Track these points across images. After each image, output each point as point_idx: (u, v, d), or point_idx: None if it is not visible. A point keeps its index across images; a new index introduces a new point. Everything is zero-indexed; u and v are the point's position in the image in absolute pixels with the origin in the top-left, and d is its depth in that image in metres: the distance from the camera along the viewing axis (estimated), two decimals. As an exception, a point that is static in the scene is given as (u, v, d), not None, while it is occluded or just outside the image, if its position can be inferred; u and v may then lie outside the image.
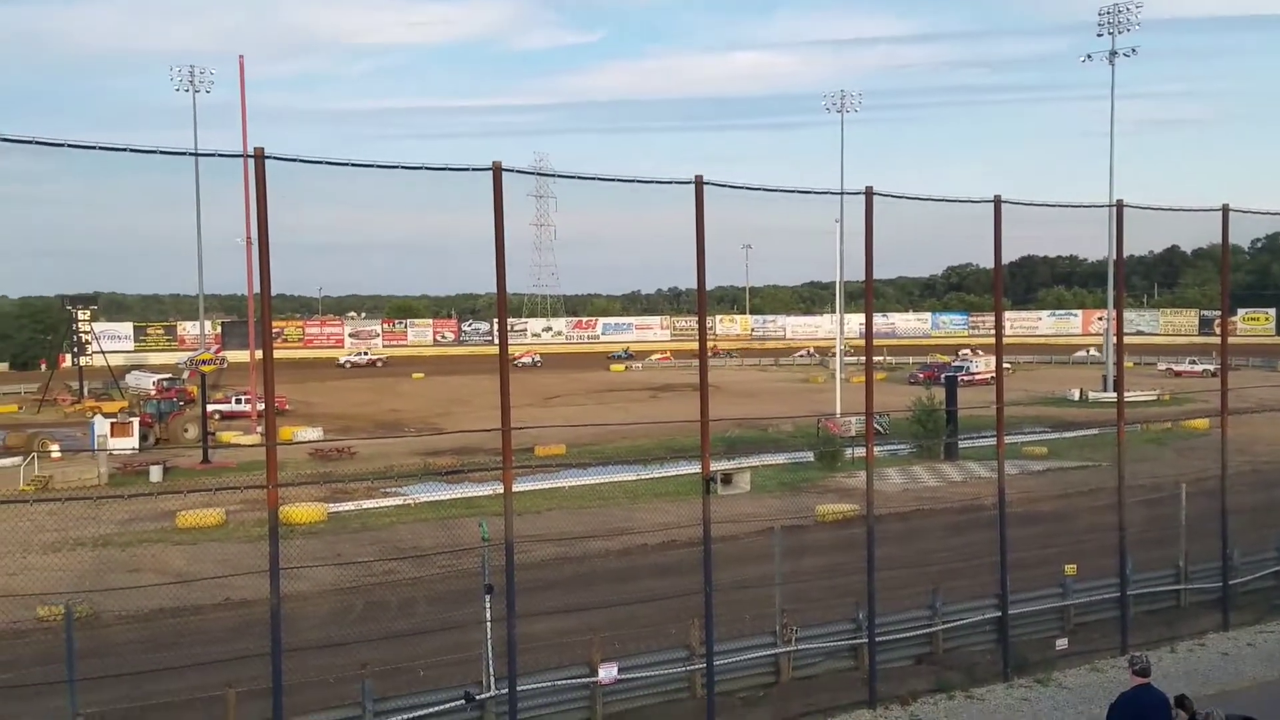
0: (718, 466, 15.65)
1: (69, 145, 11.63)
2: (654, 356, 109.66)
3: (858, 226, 16.45)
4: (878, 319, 22.27)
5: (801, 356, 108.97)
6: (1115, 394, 22.21)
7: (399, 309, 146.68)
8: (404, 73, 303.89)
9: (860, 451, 29.87)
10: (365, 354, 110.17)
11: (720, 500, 15.48)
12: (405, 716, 14.18)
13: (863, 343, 18.79)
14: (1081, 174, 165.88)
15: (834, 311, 63.32)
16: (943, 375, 58.92)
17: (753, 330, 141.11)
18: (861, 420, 21.99)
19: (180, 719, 14.19)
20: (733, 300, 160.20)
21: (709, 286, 15.36)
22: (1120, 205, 18.69)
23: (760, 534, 23.74)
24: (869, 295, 17.27)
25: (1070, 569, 19.35)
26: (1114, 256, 21.63)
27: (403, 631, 18.95)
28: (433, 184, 13.44)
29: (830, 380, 60.22)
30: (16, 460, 40.78)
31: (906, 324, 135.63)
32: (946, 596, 18.23)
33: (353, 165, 12.83)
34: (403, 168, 13.08)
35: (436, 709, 14.37)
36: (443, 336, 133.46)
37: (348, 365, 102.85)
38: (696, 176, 14.45)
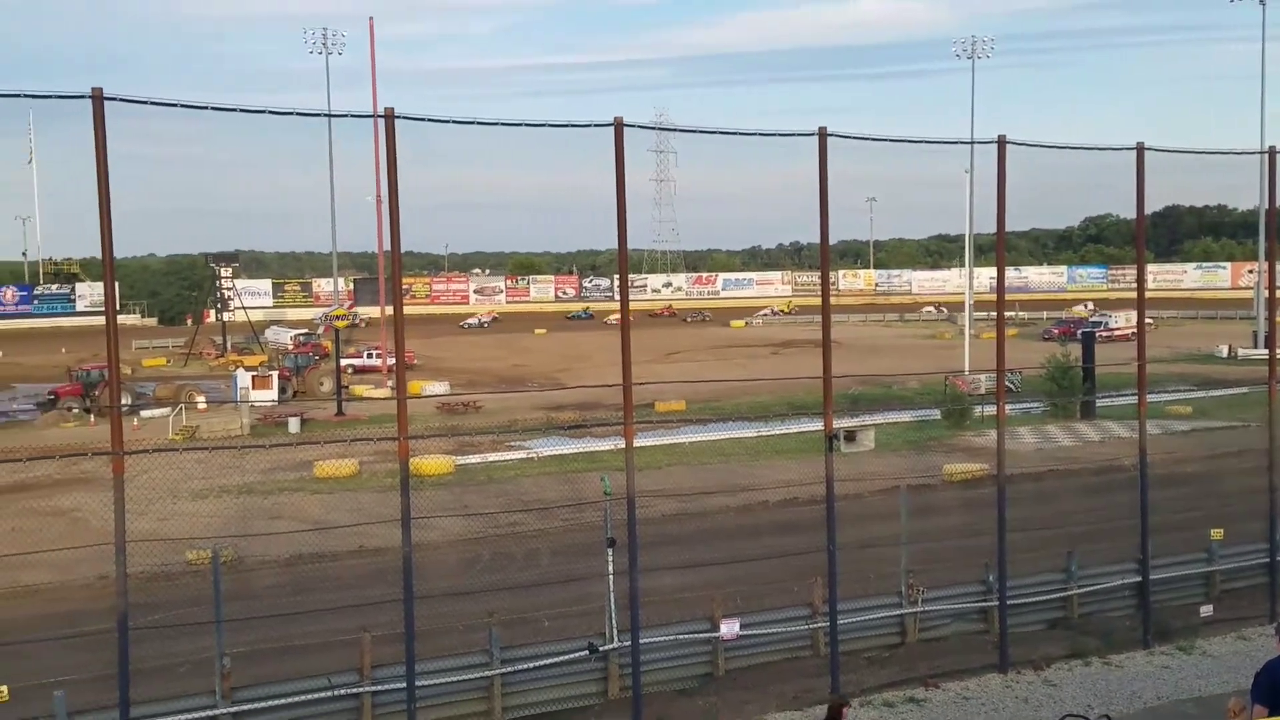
0: (841, 423, 15.49)
1: (213, 108, 12.07)
2: (611, 318, 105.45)
3: (988, 177, 16.00)
4: (1010, 273, 21.60)
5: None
6: (1266, 350, 21.23)
7: (521, 265, 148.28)
8: (527, 30, 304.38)
9: (990, 409, 29.24)
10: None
11: (843, 458, 15.37)
12: (531, 665, 14.44)
13: (993, 298, 18.41)
14: (1231, 120, 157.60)
15: (963, 265, 61.82)
16: (1079, 331, 57.11)
17: (877, 285, 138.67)
18: (992, 377, 21.44)
19: (318, 661, 14.68)
20: (856, 254, 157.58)
21: (831, 241, 15.11)
22: (1272, 151, 17.77)
23: (885, 493, 23.42)
24: (1000, 248, 16.79)
25: (1216, 533, 18.63)
26: (1265, 205, 20.56)
27: (527, 582, 19.31)
28: (555, 141, 13.50)
29: (958, 336, 58.94)
30: (166, 411, 42.61)
31: (1040, 278, 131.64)
32: (1082, 560, 17.74)
33: (478, 124, 12.98)
34: (527, 125, 13.20)
35: (561, 659, 14.60)
36: (564, 293, 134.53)
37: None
38: (820, 128, 14.15)
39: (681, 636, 15.37)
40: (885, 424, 36.26)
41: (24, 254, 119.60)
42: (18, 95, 11.49)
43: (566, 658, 14.62)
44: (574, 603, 16.67)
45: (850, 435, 15.51)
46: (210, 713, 13.04)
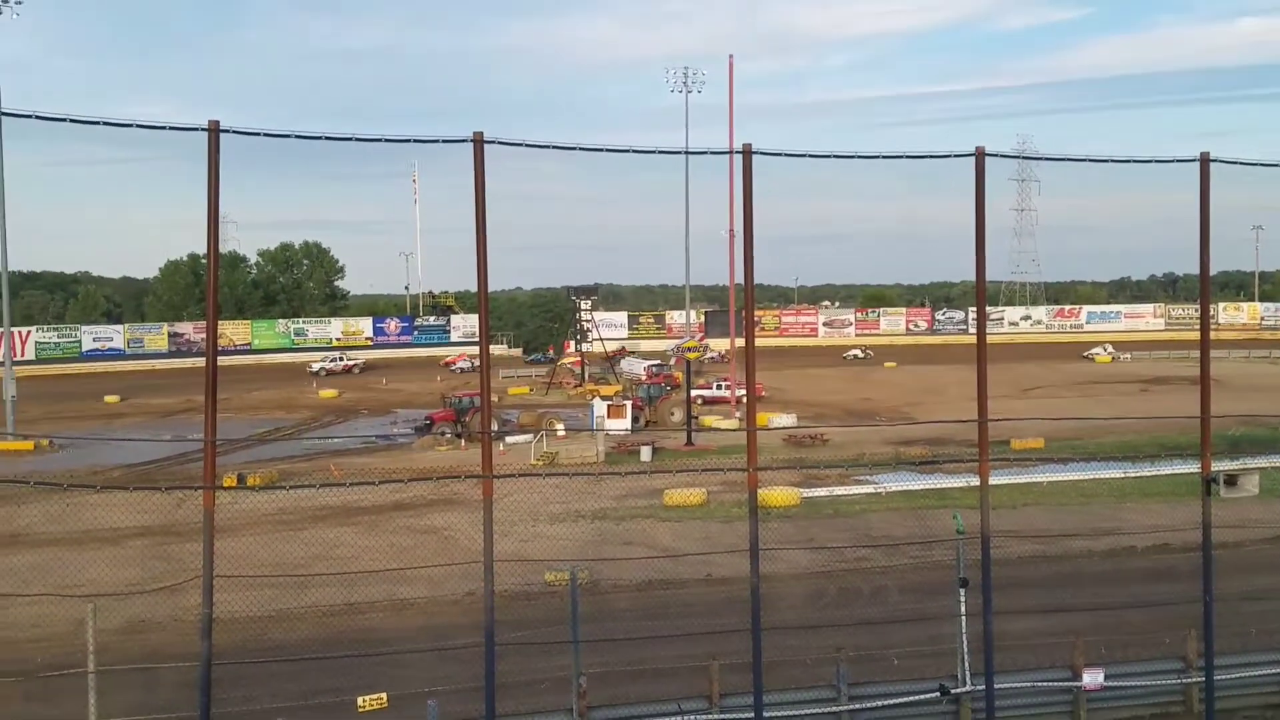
0: (1220, 467, 14.34)
1: (581, 149, 12.84)
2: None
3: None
4: None
5: (855, 354, 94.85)
6: None
7: (872, 298, 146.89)
8: (883, 62, 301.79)
9: (1402, 456, 26.01)
10: (341, 358, 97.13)
11: (1222, 503, 14.20)
12: (880, 703, 14.30)
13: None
14: None
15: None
16: None
17: (1262, 319, 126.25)
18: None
19: (667, 685, 15.21)
20: (1239, 286, 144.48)
21: (1212, 272, 14.16)
22: None
23: (1270, 542, 21.58)
24: None
25: None
26: None
27: (875, 619, 19.12)
28: (912, 172, 13.54)
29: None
30: (528, 437, 45.45)
31: None
32: None
33: (834, 157, 13.16)
34: (882, 157, 13.25)
35: (910, 699, 14.36)
36: (915, 325, 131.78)
37: (322, 373, 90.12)
38: (1202, 154, 13.37)
39: (1040, 683, 14.74)
40: (1271, 468, 33.01)
41: (406, 288, 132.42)
42: (408, 140, 12.61)
43: (916, 698, 14.37)
44: (923, 642, 16.34)
45: (1231, 479, 14.30)
46: (566, 730, 13.72)
